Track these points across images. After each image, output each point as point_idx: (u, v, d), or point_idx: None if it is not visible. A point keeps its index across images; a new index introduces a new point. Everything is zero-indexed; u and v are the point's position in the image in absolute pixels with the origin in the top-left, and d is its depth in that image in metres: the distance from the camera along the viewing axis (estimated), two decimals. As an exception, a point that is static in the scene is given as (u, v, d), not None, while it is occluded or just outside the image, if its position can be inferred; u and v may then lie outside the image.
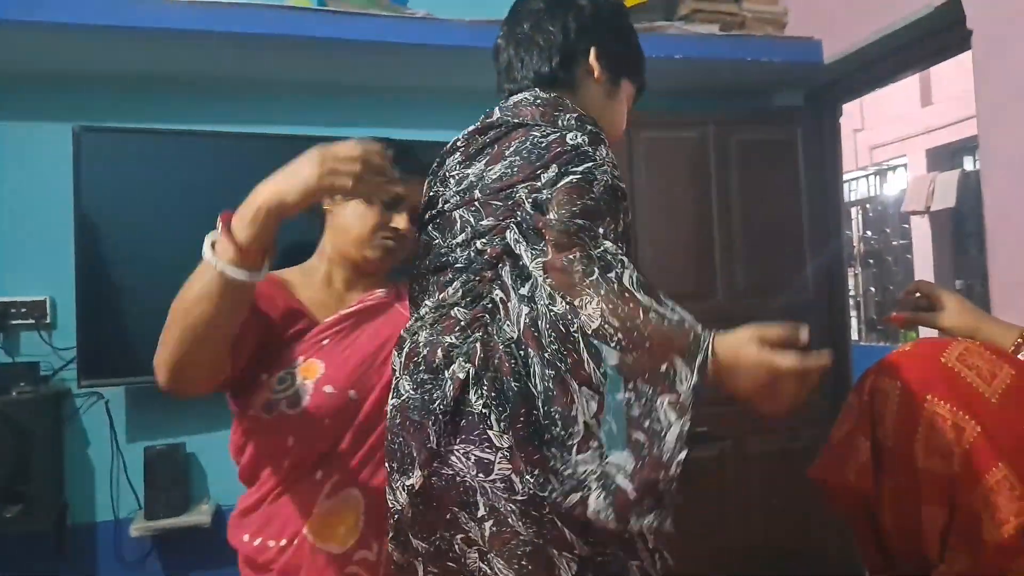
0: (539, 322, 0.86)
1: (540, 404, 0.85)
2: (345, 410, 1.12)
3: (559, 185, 0.89)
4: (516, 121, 0.98)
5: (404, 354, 0.99)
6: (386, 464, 1.00)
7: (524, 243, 0.89)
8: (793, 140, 2.63)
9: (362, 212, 1.20)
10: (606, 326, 0.80)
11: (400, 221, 1.21)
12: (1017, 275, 1.80)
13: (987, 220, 1.88)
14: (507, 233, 0.92)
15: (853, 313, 5.96)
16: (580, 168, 0.89)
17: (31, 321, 2.11)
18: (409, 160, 1.21)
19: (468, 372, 0.88)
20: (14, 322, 2.11)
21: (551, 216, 0.87)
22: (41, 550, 2.06)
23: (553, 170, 0.90)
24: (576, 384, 0.83)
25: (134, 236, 2.08)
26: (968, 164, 5.27)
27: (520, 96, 1.03)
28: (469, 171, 0.99)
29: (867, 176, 6.29)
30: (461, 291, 0.95)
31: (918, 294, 1.18)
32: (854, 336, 5.45)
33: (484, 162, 0.98)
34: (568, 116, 0.97)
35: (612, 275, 0.82)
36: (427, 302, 1.02)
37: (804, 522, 2.50)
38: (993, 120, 1.87)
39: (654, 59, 2.32)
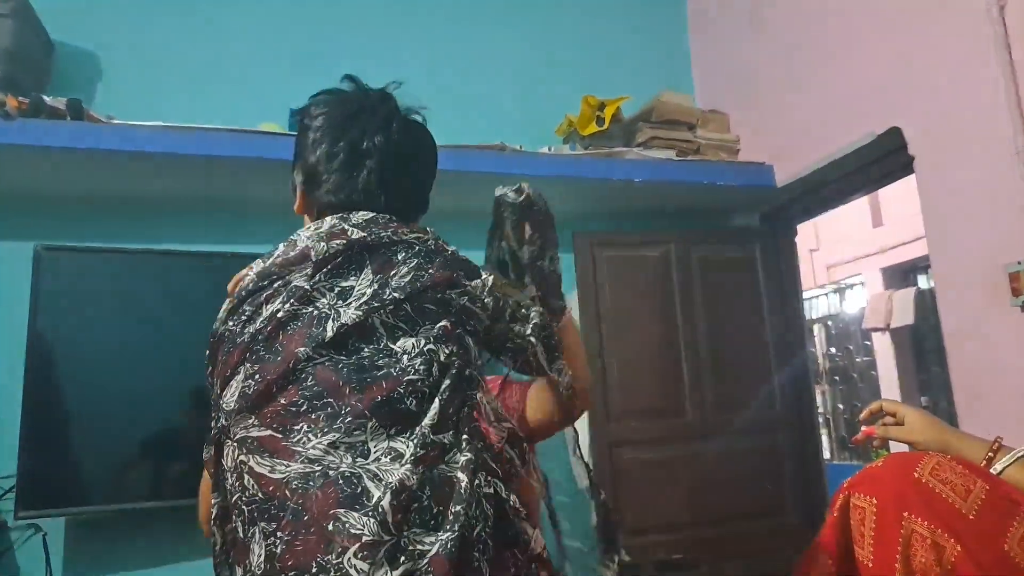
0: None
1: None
2: None
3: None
4: (391, 236, 0.95)
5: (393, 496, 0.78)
6: None
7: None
8: (752, 258, 2.71)
9: None
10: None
11: None
12: (979, 390, 1.81)
13: (945, 337, 1.92)
14: (465, 339, 0.92)
15: (823, 431, 5.94)
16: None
17: (-30, 447, 1.99)
18: None
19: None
20: (-49, 448, 1.99)
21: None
22: None
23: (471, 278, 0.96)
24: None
25: (86, 360, 2.02)
26: (923, 282, 5.44)
27: (370, 215, 0.99)
28: (347, 283, 0.91)
29: (826, 294, 6.43)
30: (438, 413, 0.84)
31: (883, 412, 1.18)
32: (826, 455, 5.40)
33: (371, 271, 0.91)
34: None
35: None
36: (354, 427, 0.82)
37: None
38: (942, 240, 1.94)
39: (615, 182, 2.45)
